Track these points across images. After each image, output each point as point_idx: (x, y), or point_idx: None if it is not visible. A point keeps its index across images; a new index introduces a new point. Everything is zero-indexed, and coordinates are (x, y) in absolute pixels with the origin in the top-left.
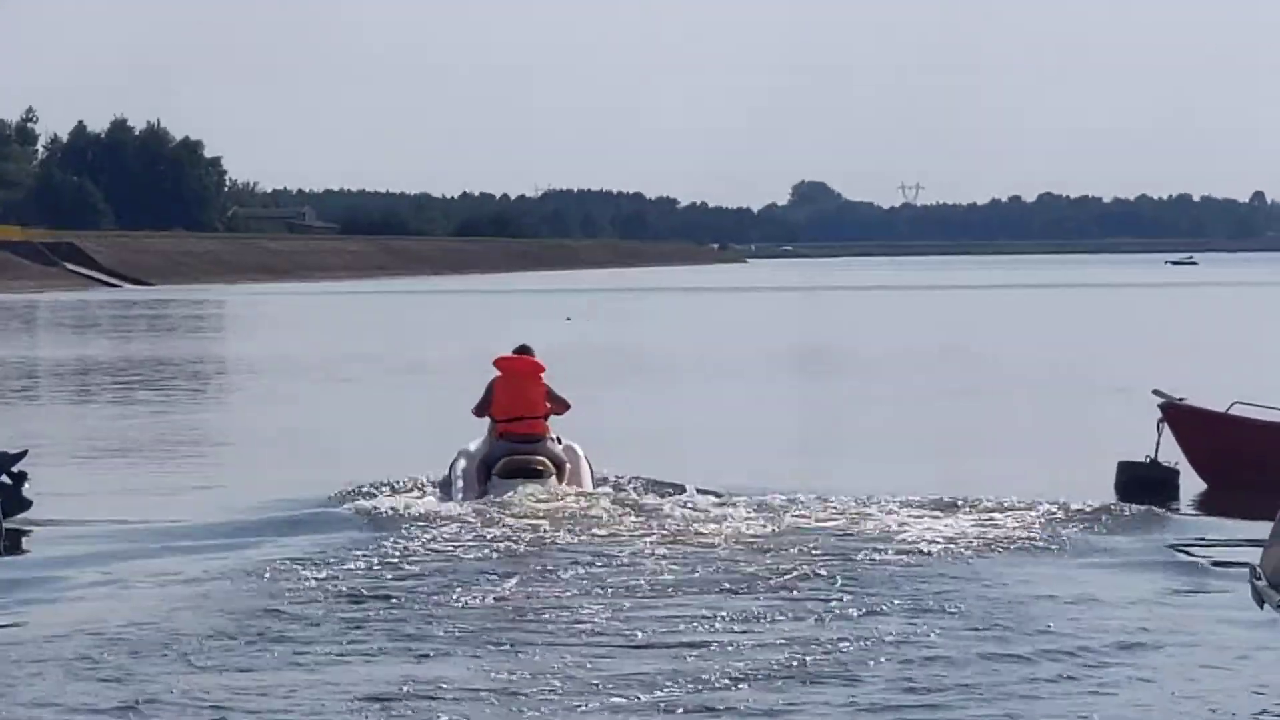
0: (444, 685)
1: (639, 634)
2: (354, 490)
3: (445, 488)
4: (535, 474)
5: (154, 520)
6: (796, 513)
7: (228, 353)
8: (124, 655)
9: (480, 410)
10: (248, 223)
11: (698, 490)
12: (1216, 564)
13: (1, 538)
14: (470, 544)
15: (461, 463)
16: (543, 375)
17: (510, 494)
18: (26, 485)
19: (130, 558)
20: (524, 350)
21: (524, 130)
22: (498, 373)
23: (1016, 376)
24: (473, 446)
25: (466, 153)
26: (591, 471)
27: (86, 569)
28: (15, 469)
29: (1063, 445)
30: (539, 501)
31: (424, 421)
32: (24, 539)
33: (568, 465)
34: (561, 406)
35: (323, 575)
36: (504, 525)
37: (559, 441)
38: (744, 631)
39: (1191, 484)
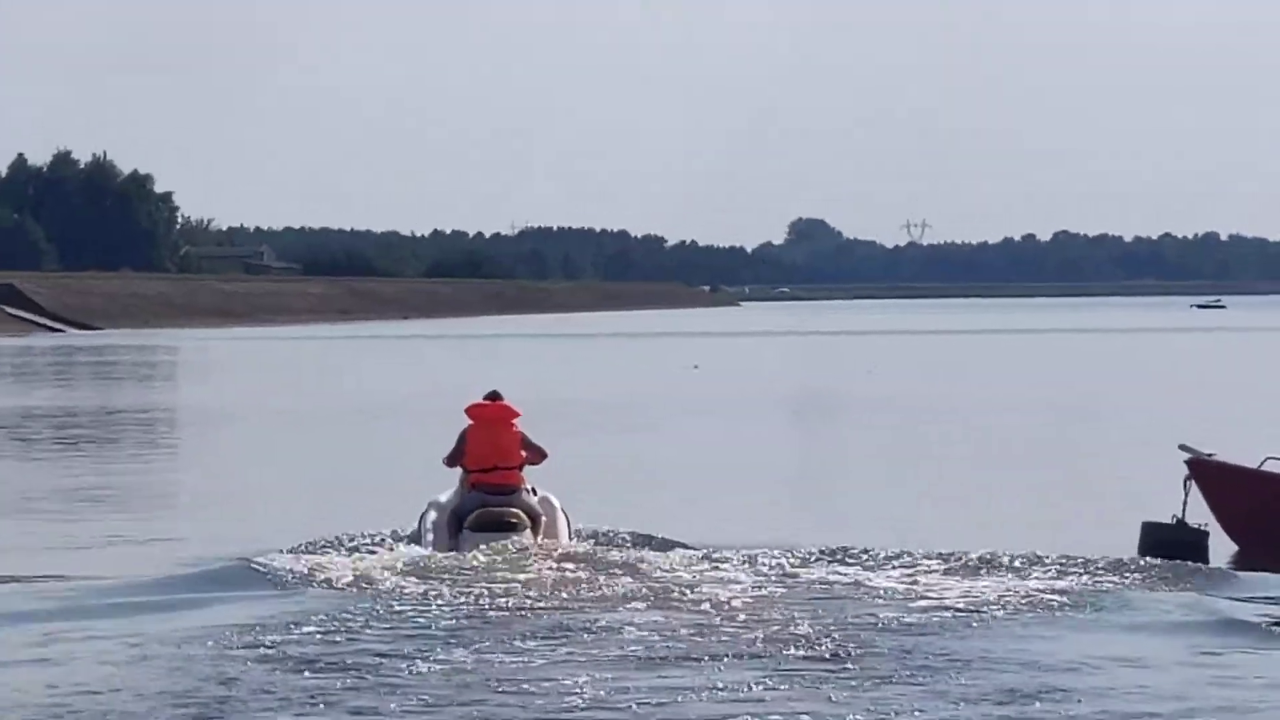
0: None
1: (628, 709)
2: (309, 546)
3: (414, 541)
4: (509, 528)
5: (92, 577)
6: (798, 571)
7: (177, 402)
8: None
9: (452, 460)
10: (201, 263)
11: (686, 547)
12: (1257, 624)
13: None
14: (437, 607)
15: (432, 514)
16: (517, 422)
17: (482, 550)
18: None
19: (66, 618)
20: (494, 396)
21: (499, 164)
22: (469, 421)
23: (1029, 428)
24: (444, 498)
25: (437, 188)
26: (569, 524)
27: (22, 630)
28: None
29: (1081, 504)
30: (512, 559)
31: (386, 474)
32: None
33: (543, 518)
34: (537, 455)
35: (276, 639)
36: (474, 587)
37: (534, 492)
38: (740, 702)
39: (1222, 547)
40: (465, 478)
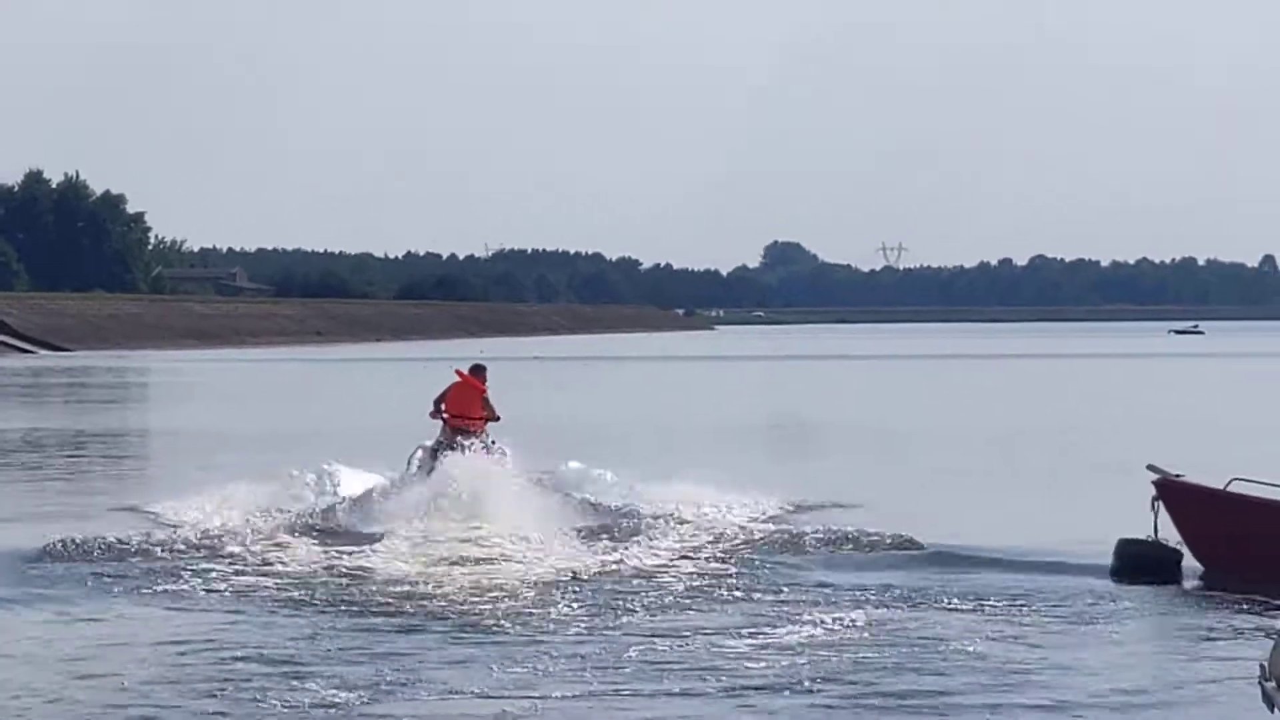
0: None
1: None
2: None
3: (403, 472)
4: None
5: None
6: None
7: (148, 425)
8: None
9: (435, 406)
10: (174, 284)
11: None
12: (1219, 657)
13: None
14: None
15: (419, 452)
16: (485, 393)
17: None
18: None
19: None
20: (477, 369)
21: (472, 185)
22: (457, 379)
23: (1003, 452)
24: (429, 442)
25: (410, 209)
26: (512, 463)
27: None
28: None
29: (1053, 525)
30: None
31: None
32: None
33: (496, 449)
34: (493, 414)
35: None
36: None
37: (494, 443)
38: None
39: (1195, 566)
40: (444, 427)
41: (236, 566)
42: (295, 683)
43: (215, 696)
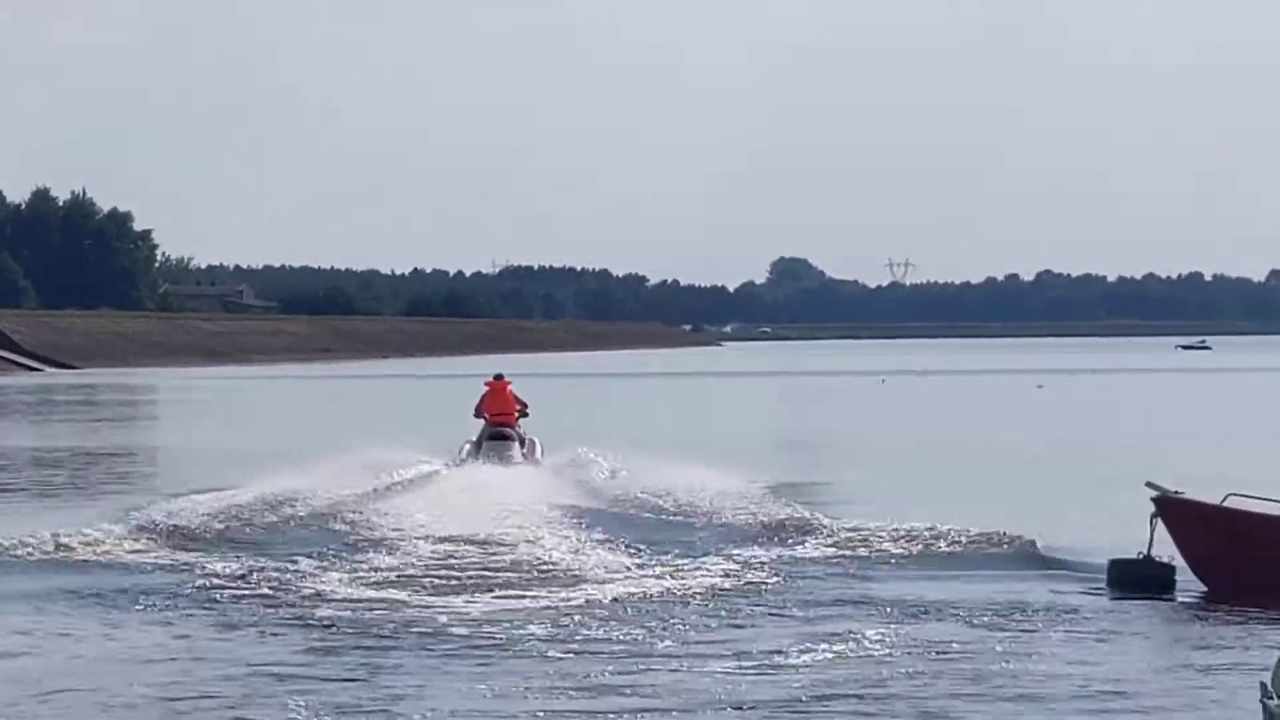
0: None
1: None
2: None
3: (454, 457)
4: (506, 437)
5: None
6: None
7: (156, 441)
8: None
9: (476, 411)
10: (181, 301)
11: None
12: (1220, 668)
13: None
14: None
15: (466, 445)
16: (510, 388)
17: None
18: None
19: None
20: (499, 376)
21: (479, 203)
22: (485, 389)
23: (1000, 465)
24: (474, 437)
25: (417, 226)
26: (543, 453)
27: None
28: None
29: (1048, 540)
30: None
31: None
32: None
33: (529, 442)
34: (524, 405)
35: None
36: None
37: (526, 433)
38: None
39: (1189, 584)
40: (485, 425)
41: (240, 577)
42: (281, 698)
43: (191, 714)
